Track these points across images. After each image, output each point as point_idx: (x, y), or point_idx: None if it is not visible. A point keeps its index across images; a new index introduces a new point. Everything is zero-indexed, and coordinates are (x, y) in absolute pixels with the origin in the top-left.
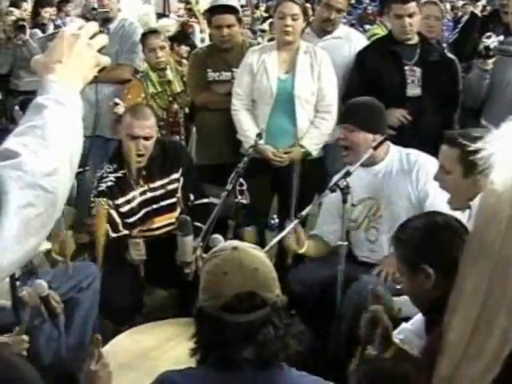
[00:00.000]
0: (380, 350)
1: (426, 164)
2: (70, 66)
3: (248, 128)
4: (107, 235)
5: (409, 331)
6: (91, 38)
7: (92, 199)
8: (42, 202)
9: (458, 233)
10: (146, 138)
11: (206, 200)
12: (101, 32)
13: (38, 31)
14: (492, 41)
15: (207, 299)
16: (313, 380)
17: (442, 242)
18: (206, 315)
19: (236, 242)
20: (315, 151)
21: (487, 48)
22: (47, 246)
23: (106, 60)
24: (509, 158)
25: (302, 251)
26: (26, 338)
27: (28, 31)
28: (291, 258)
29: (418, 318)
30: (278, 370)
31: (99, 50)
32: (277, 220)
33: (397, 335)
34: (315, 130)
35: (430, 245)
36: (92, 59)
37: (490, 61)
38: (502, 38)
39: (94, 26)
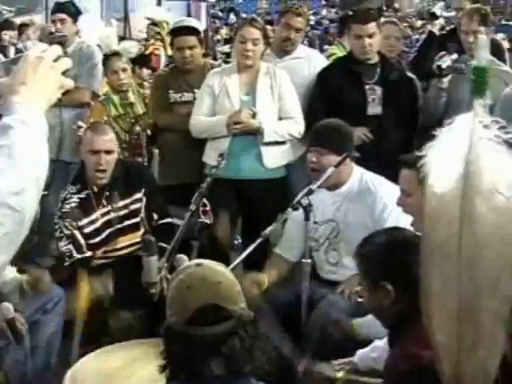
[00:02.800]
0: None
1: (384, 194)
2: (35, 88)
3: (210, 148)
4: (70, 256)
5: (381, 349)
6: (55, 60)
7: (56, 221)
8: (10, 221)
9: (418, 250)
10: (108, 152)
11: (169, 220)
12: (65, 54)
13: None
14: (444, 60)
15: (173, 314)
16: None
17: (402, 259)
18: (173, 331)
19: (201, 260)
20: (267, 135)
21: (439, 67)
22: (18, 275)
23: (69, 82)
24: (442, 163)
25: (264, 287)
26: None
27: None
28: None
29: None
30: (244, 383)
31: (63, 73)
32: (240, 240)
33: (370, 353)
34: (279, 121)
35: (390, 262)
36: (56, 81)
37: (446, 79)
38: (455, 56)
39: (57, 50)
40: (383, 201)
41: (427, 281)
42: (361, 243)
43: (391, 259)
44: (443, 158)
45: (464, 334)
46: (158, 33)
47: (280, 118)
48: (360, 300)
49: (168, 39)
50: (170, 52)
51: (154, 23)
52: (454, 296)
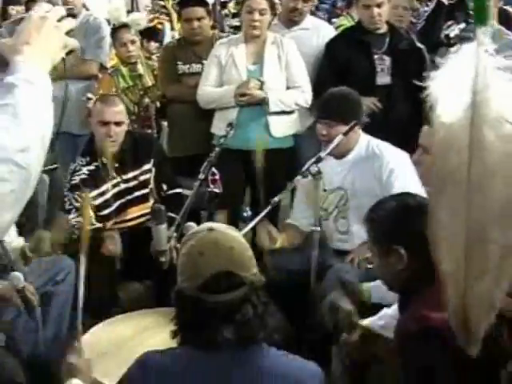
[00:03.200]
0: (346, 333)
1: (391, 159)
2: (38, 48)
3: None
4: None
5: (389, 316)
6: (59, 20)
7: (66, 194)
8: (16, 178)
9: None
10: (117, 124)
11: (178, 190)
12: (70, 16)
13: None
14: (452, 29)
15: (185, 280)
16: (291, 358)
17: (414, 224)
18: (185, 297)
19: (212, 224)
20: (273, 105)
21: (447, 37)
22: (21, 242)
23: (73, 42)
24: (449, 93)
25: (276, 246)
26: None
27: None
28: (267, 257)
29: None
30: (257, 349)
31: (67, 33)
32: (250, 212)
33: (378, 321)
34: (285, 91)
35: (403, 226)
36: (59, 41)
37: (453, 49)
38: (463, 25)
39: (61, 10)
40: (390, 166)
41: (436, 210)
42: (371, 208)
43: (403, 223)
44: (450, 87)
45: (471, 263)
46: (164, 6)
47: (287, 88)
48: (370, 266)
49: (174, 12)
50: (176, 26)
51: None
52: (462, 225)
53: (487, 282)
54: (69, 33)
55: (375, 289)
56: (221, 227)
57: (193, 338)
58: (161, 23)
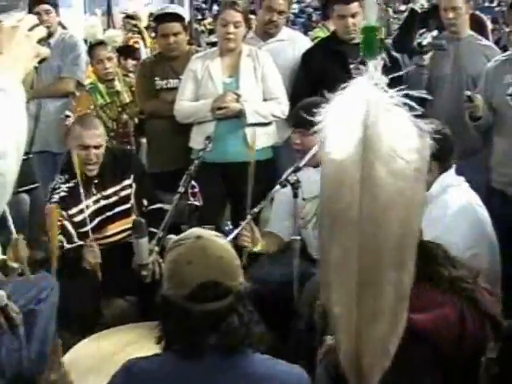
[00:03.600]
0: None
1: None
2: (11, 57)
3: (196, 132)
4: (62, 247)
5: None
6: (30, 29)
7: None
8: None
9: None
10: (97, 147)
11: (159, 205)
12: (48, 45)
13: None
14: (425, 37)
15: (171, 288)
16: (276, 362)
17: None
18: (171, 304)
19: (199, 231)
20: (250, 116)
21: (420, 45)
22: (1, 256)
23: (45, 51)
24: (339, 128)
25: (257, 249)
26: None
27: None
28: (246, 258)
29: None
30: (242, 356)
31: (38, 42)
32: (231, 226)
33: None
34: (262, 102)
35: None
36: (31, 50)
37: (426, 56)
38: (435, 33)
39: (32, 19)
40: None
41: (327, 251)
42: None
43: None
44: (340, 122)
45: (363, 307)
46: (135, 25)
47: (264, 100)
48: None
49: (145, 31)
50: (148, 43)
51: (129, 16)
52: (354, 266)
53: (381, 326)
54: (40, 41)
55: None
56: (209, 235)
57: (177, 345)
58: (137, 42)
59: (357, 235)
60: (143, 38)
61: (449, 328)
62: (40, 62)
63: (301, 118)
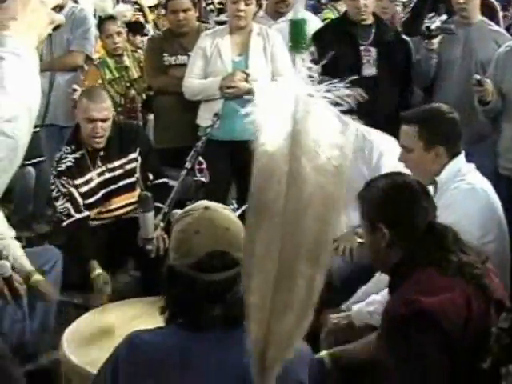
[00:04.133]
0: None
1: (380, 143)
2: (25, 23)
3: (204, 109)
4: (68, 215)
5: (378, 302)
6: None
7: (52, 181)
8: (3, 147)
9: (417, 196)
10: (104, 120)
11: (165, 180)
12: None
13: None
14: (433, 21)
15: (178, 258)
16: None
17: (397, 203)
18: (177, 273)
19: (207, 202)
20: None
21: (428, 29)
22: (14, 234)
23: (59, 18)
24: (272, 121)
25: None
26: None
27: None
28: None
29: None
30: (245, 329)
31: (53, 9)
32: (236, 205)
33: (366, 307)
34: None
35: (387, 204)
36: (46, 17)
37: (435, 40)
38: (444, 17)
39: None
40: (379, 151)
41: (251, 240)
42: (364, 185)
43: (389, 202)
44: (272, 115)
45: (277, 298)
46: (136, 1)
47: (273, 79)
48: (361, 241)
49: (146, 8)
50: (150, 19)
51: None
52: (275, 259)
53: (289, 319)
54: (55, 8)
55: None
56: (216, 206)
57: (181, 316)
58: (138, 18)
59: (280, 228)
60: (144, 15)
61: (456, 311)
62: (54, 30)
63: None
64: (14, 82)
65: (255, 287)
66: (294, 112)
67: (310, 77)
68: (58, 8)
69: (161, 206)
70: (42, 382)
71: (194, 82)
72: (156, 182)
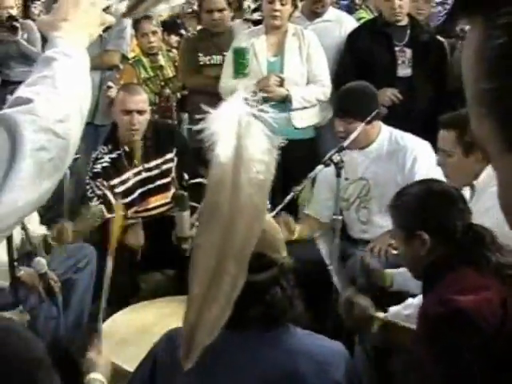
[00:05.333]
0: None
1: (414, 148)
2: (76, 24)
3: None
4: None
5: (414, 306)
6: None
7: (87, 181)
8: (55, 147)
9: (453, 200)
10: (140, 112)
11: (200, 179)
12: None
13: (30, 22)
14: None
15: None
16: (318, 338)
17: (438, 208)
18: None
19: None
20: (296, 102)
21: (462, 30)
22: (44, 231)
23: (110, 19)
24: (226, 136)
25: (294, 238)
26: (27, 316)
27: (19, 32)
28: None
29: None
30: (284, 330)
31: (104, 10)
32: (269, 205)
33: (403, 310)
34: (307, 87)
35: (425, 210)
36: (97, 17)
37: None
38: None
39: None
40: (413, 155)
41: (200, 233)
42: (396, 194)
43: (427, 208)
44: (224, 130)
45: (209, 291)
46: None
47: (308, 81)
48: (395, 252)
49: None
50: None
51: None
52: (213, 256)
53: (216, 310)
54: (106, 9)
55: (398, 276)
56: None
57: None
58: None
59: (219, 229)
60: None
61: (492, 310)
62: (105, 30)
63: (343, 106)
64: (65, 82)
65: (197, 278)
66: (238, 129)
67: (251, 100)
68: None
69: (196, 205)
70: (75, 379)
71: (229, 82)
72: (191, 181)
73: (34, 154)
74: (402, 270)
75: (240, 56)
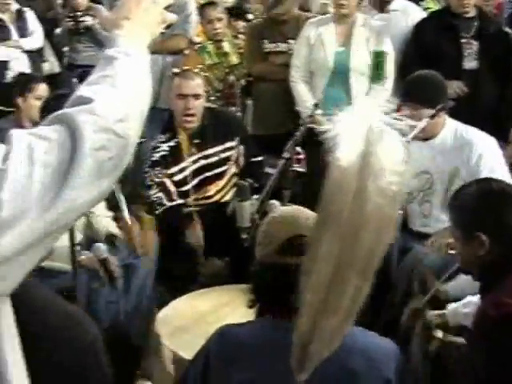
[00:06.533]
0: (423, 344)
1: (480, 143)
2: (138, 22)
3: (306, 99)
4: (161, 204)
5: (474, 304)
6: None
7: (146, 170)
8: (114, 146)
9: None
10: (195, 96)
11: (260, 158)
12: None
13: (101, 7)
14: None
15: (263, 247)
16: (371, 335)
17: (497, 209)
18: (262, 264)
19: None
20: None
21: None
22: (114, 229)
23: (171, 17)
24: (349, 139)
25: None
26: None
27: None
28: None
29: None
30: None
31: (165, 8)
32: None
33: (462, 308)
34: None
35: (485, 211)
36: (158, 16)
37: None
38: None
39: None
40: (479, 150)
41: (315, 243)
42: (454, 194)
43: (486, 209)
44: (348, 134)
45: (329, 299)
46: None
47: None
48: (452, 252)
49: None
50: None
51: None
52: (331, 264)
53: (334, 320)
54: (167, 8)
55: (453, 287)
56: (300, 207)
57: (270, 307)
58: None
59: (339, 238)
60: None
61: None
62: (166, 28)
63: (412, 91)
64: (126, 82)
65: (311, 286)
66: (368, 135)
67: (386, 105)
68: None
69: (252, 182)
70: (133, 362)
71: (297, 86)
72: (252, 159)
73: (93, 153)
74: (455, 283)
75: (380, 59)
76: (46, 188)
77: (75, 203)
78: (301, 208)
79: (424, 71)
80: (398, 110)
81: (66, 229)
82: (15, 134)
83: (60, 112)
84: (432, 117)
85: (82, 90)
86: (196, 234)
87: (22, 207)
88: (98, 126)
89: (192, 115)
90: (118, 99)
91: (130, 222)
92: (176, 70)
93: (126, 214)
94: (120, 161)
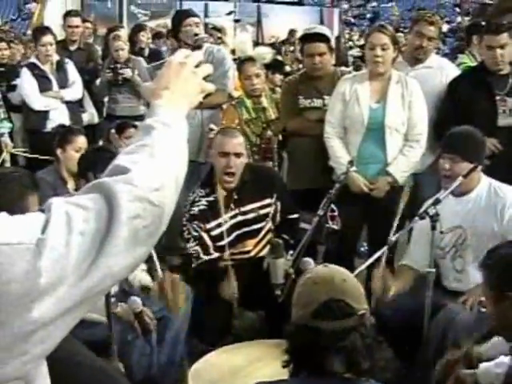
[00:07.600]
0: None
1: None
2: (177, 92)
3: (340, 155)
4: (197, 257)
5: (507, 365)
6: (196, 66)
7: (184, 223)
8: (150, 215)
9: None
10: (237, 155)
11: (296, 215)
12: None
13: (141, 59)
14: None
15: (299, 309)
16: None
17: None
18: (298, 326)
19: (327, 264)
20: (401, 179)
21: None
22: (149, 283)
23: (210, 87)
24: None
25: (389, 295)
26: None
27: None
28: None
29: None
30: (365, 382)
31: (204, 78)
32: (366, 247)
33: (495, 368)
34: (403, 157)
35: None
36: (197, 86)
37: None
38: None
39: (199, 56)
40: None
41: None
42: (487, 253)
43: None
44: None
45: None
46: (220, 37)
47: (406, 134)
48: (483, 310)
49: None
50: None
51: (215, 28)
52: None
53: None
54: (206, 78)
55: (486, 348)
56: (335, 266)
57: (303, 367)
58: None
59: None
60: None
61: None
62: (204, 98)
63: (454, 144)
64: (163, 151)
65: None
66: None
67: None
68: (197, 47)
69: (287, 238)
70: None
71: (331, 142)
72: (289, 216)
73: (129, 221)
74: (489, 344)
75: None
76: (83, 256)
77: (111, 270)
78: (336, 268)
79: (466, 127)
80: (436, 159)
81: (103, 294)
82: (55, 202)
83: (98, 181)
84: (466, 175)
85: (120, 159)
86: (230, 287)
87: (59, 275)
88: (134, 195)
89: (232, 174)
90: (154, 169)
91: (161, 276)
92: (213, 126)
93: (158, 269)
94: (155, 229)
